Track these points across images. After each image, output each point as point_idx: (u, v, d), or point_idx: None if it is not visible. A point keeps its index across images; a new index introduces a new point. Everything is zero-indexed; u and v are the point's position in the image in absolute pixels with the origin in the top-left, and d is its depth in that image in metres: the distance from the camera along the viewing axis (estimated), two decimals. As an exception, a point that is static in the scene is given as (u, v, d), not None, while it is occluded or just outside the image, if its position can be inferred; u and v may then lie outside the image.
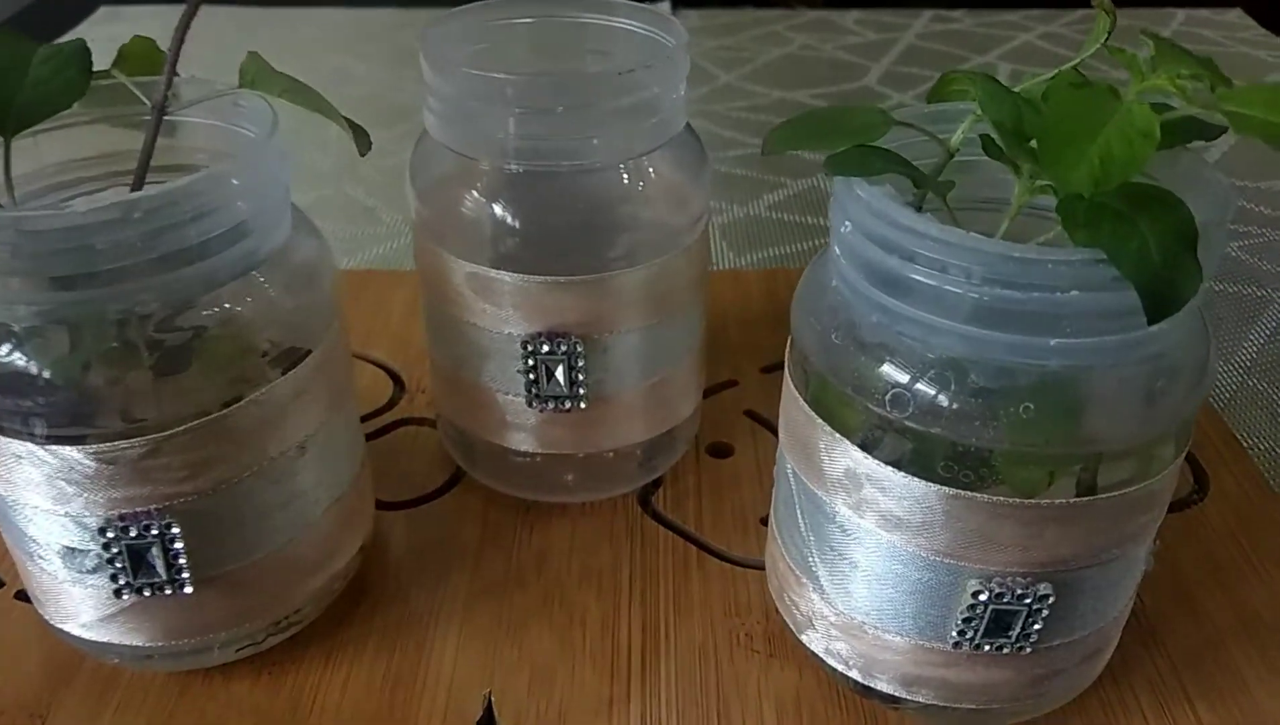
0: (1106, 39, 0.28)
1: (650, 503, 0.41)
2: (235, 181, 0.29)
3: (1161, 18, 0.98)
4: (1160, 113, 0.25)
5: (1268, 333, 0.53)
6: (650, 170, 0.36)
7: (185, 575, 0.31)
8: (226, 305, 0.29)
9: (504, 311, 0.35)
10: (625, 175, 0.35)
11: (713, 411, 0.46)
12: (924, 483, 0.27)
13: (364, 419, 0.45)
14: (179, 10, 0.31)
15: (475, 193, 0.35)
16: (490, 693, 0.33)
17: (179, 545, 0.30)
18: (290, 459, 0.31)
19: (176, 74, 0.33)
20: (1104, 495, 0.26)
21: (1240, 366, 0.51)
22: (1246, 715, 0.33)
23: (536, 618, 0.36)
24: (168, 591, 0.31)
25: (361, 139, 0.30)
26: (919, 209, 0.30)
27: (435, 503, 0.41)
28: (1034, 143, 0.25)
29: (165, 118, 0.32)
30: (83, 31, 0.95)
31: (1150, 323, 0.23)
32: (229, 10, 1.01)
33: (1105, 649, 0.31)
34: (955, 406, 0.26)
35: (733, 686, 0.34)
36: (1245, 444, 0.45)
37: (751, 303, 0.53)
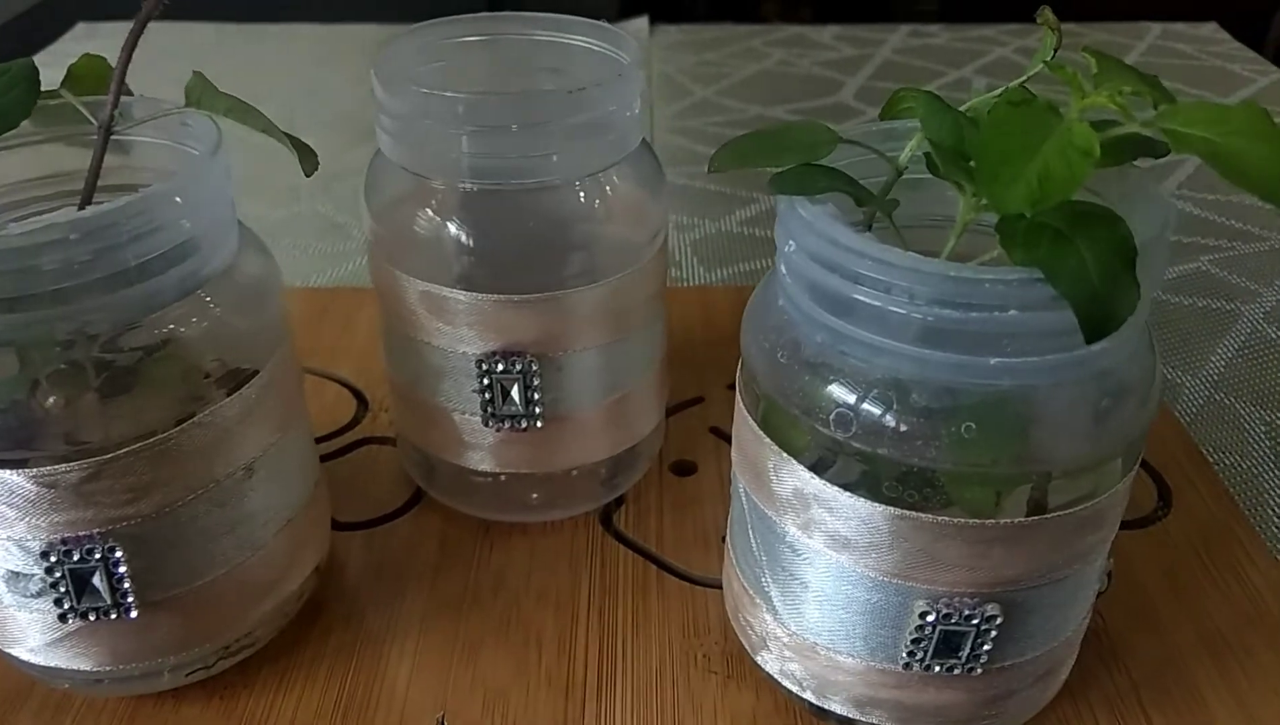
0: (1053, 56, 0.28)
1: (612, 521, 0.41)
2: (178, 200, 0.28)
3: (1138, 31, 0.99)
4: (1102, 131, 0.25)
5: (1236, 347, 0.53)
6: (606, 187, 0.36)
7: (130, 599, 0.30)
8: (171, 326, 0.29)
9: (458, 330, 0.35)
10: (581, 193, 0.35)
11: (678, 428, 0.46)
12: (870, 503, 0.27)
13: (326, 438, 0.45)
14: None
15: (429, 212, 0.35)
16: (443, 715, 0.33)
17: (123, 569, 0.30)
18: (237, 482, 0.31)
19: (129, 93, 0.33)
20: (1050, 515, 0.26)
21: (1208, 381, 0.51)
22: (1204, 734, 0.33)
23: (492, 638, 0.36)
24: (113, 616, 0.30)
25: (307, 159, 0.30)
26: (868, 228, 0.30)
27: (394, 523, 0.41)
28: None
29: (114, 137, 0.32)
30: (59, 48, 0.95)
31: (1088, 342, 0.23)
32: (202, 26, 1.01)
33: (1059, 668, 0.31)
34: (899, 426, 0.26)
35: (689, 708, 0.33)
36: (1211, 459, 0.45)
37: (719, 319, 0.53)
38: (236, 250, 0.31)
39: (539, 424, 0.36)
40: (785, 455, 0.28)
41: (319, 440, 0.44)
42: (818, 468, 0.28)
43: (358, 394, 0.48)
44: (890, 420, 0.26)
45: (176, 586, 0.31)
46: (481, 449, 0.38)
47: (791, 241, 0.27)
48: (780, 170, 0.27)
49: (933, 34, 0.99)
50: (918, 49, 0.96)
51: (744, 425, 0.30)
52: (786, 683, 0.32)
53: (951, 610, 0.27)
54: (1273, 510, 0.43)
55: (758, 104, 0.84)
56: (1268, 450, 0.46)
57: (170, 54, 1.00)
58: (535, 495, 0.40)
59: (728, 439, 0.45)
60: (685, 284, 0.59)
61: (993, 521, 0.26)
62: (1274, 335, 0.54)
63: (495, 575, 0.38)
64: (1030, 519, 0.26)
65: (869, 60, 0.93)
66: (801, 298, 0.27)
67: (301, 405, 0.34)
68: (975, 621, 0.27)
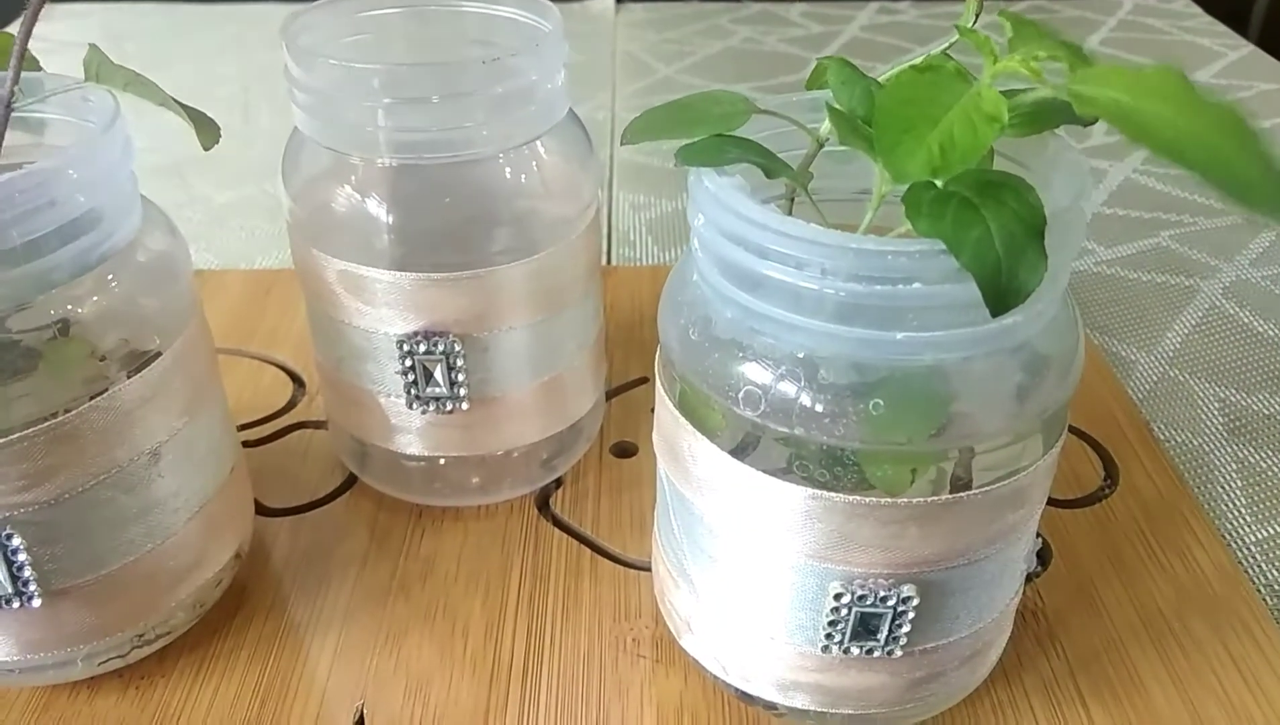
0: (974, 23, 0.27)
1: (549, 504, 0.40)
2: (72, 174, 0.27)
3: (1109, 6, 0.98)
4: (1013, 97, 0.24)
5: (1193, 323, 0.52)
6: (531, 161, 0.35)
7: (33, 588, 0.29)
8: (70, 305, 0.28)
9: (378, 310, 0.34)
10: (505, 167, 0.34)
11: (621, 410, 0.45)
12: (782, 483, 0.26)
13: (261, 422, 0.44)
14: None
15: (348, 189, 0.34)
16: (362, 704, 0.32)
17: (23, 558, 0.29)
18: (143, 466, 0.30)
19: (40, 69, 0.32)
20: (966, 493, 0.26)
21: (1163, 357, 0.50)
22: (1140, 715, 0.32)
23: (418, 626, 0.35)
24: (15, 605, 0.30)
25: (206, 131, 0.29)
26: (790, 203, 0.29)
27: (325, 508, 0.40)
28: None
29: (19, 114, 0.31)
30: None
31: (993, 315, 0.22)
32: (154, 7, 0.99)
33: (987, 651, 0.30)
34: (809, 404, 0.25)
35: (615, 693, 0.33)
36: (1162, 437, 0.44)
37: (668, 298, 0.52)
38: (139, 227, 0.30)
39: (465, 406, 0.36)
40: (700, 436, 0.27)
41: (251, 424, 0.44)
42: (738, 451, 0.27)
43: (295, 377, 0.47)
44: (800, 398, 0.25)
45: (83, 574, 0.30)
46: (409, 432, 0.37)
47: (700, 215, 0.26)
48: (689, 142, 0.26)
49: (901, 10, 0.98)
50: (886, 26, 0.95)
51: (662, 406, 0.30)
52: (711, 666, 0.31)
53: (867, 592, 0.26)
54: (1222, 488, 0.42)
55: (721, 82, 0.83)
56: (1220, 427, 0.45)
57: (131, 35, 0.99)
58: (469, 478, 0.39)
59: (668, 420, 0.44)
60: (639, 263, 0.58)
61: (906, 500, 0.25)
62: (1232, 310, 0.53)
63: (425, 562, 0.37)
64: (945, 497, 0.25)
65: (836, 37, 0.92)
66: (712, 273, 0.26)
67: (215, 388, 0.33)
68: (891, 603, 0.26)
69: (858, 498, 0.25)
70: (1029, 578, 0.37)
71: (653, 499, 0.40)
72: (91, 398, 0.28)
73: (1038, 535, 0.30)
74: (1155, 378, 0.49)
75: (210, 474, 0.33)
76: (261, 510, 0.39)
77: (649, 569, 0.37)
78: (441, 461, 0.39)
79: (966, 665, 0.30)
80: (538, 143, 0.35)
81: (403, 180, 0.34)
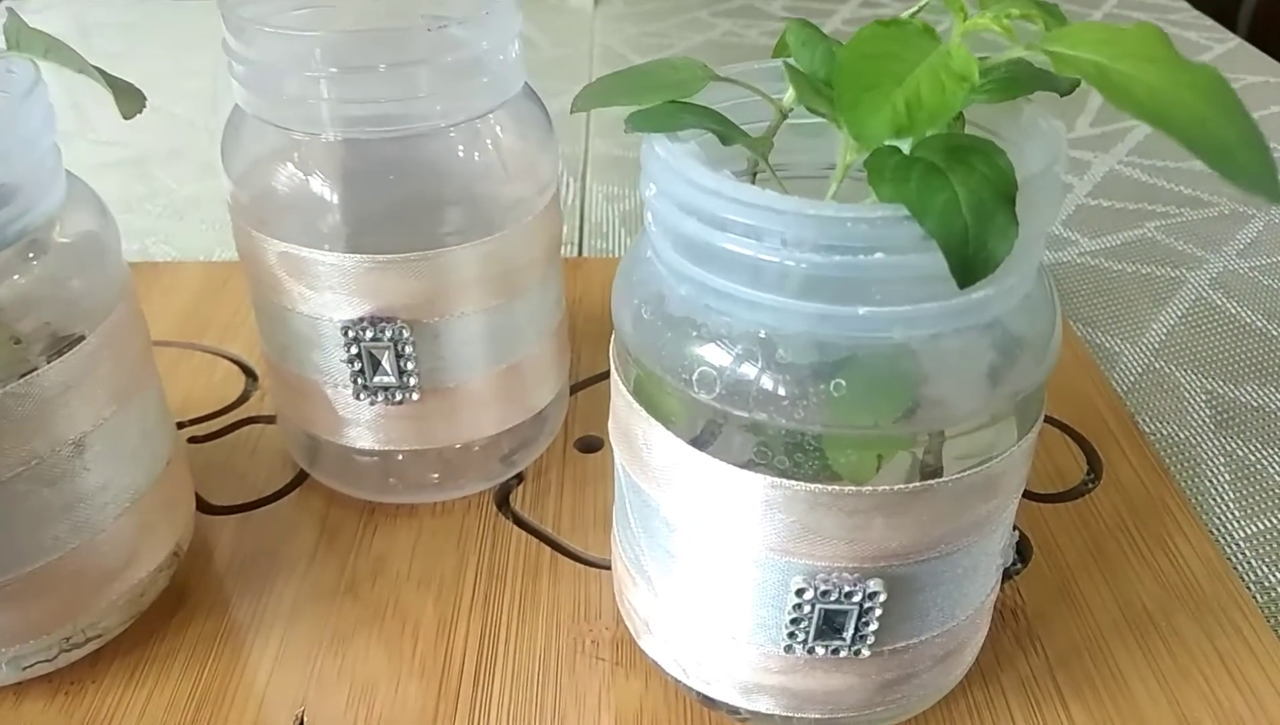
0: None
1: (509, 501, 0.38)
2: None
3: (1094, 0, 0.97)
4: (985, 62, 0.22)
5: (1179, 314, 0.51)
6: (485, 137, 0.33)
7: (-53, 589, 0.28)
8: (-16, 286, 0.26)
9: (322, 295, 0.32)
10: (457, 143, 0.32)
11: (587, 403, 0.43)
12: (740, 471, 0.24)
13: (210, 417, 0.42)
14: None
15: (291, 167, 0.32)
16: (303, 710, 0.30)
17: (-65, 555, 0.27)
18: (66, 458, 0.28)
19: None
20: (933, 481, 0.24)
21: (1148, 349, 0.48)
22: (1124, 715, 0.30)
23: (366, 627, 0.33)
24: (-71, 606, 0.28)
25: (127, 101, 0.27)
26: (753, 177, 0.28)
27: (272, 506, 0.38)
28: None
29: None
30: None
31: (961, 285, 0.21)
32: (133, 2, 0.97)
33: (962, 651, 0.29)
34: (766, 385, 0.23)
35: (572, 698, 0.31)
36: (1147, 429, 0.43)
37: (639, 289, 0.50)
38: (62, 203, 0.29)
39: (415, 396, 0.34)
40: (654, 422, 0.26)
41: (200, 419, 0.42)
42: (697, 442, 0.25)
43: (249, 372, 0.45)
44: (758, 379, 0.23)
45: (4, 573, 0.28)
46: (358, 425, 0.35)
47: (652, 185, 0.24)
48: (641, 108, 0.25)
49: (884, 4, 0.97)
50: (868, 19, 0.93)
51: (617, 394, 0.28)
52: (671, 669, 0.29)
53: (830, 587, 0.25)
54: (1209, 482, 0.40)
55: (702, 75, 0.81)
56: (1206, 418, 0.44)
57: (97, 29, 0.97)
58: (434, 476, 0.38)
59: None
60: (612, 255, 0.57)
61: (870, 488, 0.24)
62: (1219, 301, 0.52)
63: (376, 561, 0.36)
64: (912, 486, 0.24)
65: (819, 30, 0.90)
66: (665, 248, 0.24)
67: (148, 376, 0.31)
68: (857, 599, 0.25)
69: (820, 486, 0.24)
70: (1007, 574, 0.35)
71: (617, 494, 0.38)
72: (8, 384, 0.27)
73: (1016, 529, 0.28)
74: (1140, 370, 0.47)
75: (143, 468, 0.31)
76: (206, 508, 0.38)
77: (610, 567, 0.35)
78: (399, 457, 0.37)
79: (940, 666, 0.28)
80: (491, 118, 0.33)
81: (349, 157, 0.32)
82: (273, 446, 0.41)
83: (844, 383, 0.23)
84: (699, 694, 0.29)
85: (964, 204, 0.21)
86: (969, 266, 0.21)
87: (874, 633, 0.26)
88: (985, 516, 0.25)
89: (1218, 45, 0.87)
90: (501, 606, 0.34)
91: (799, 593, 0.25)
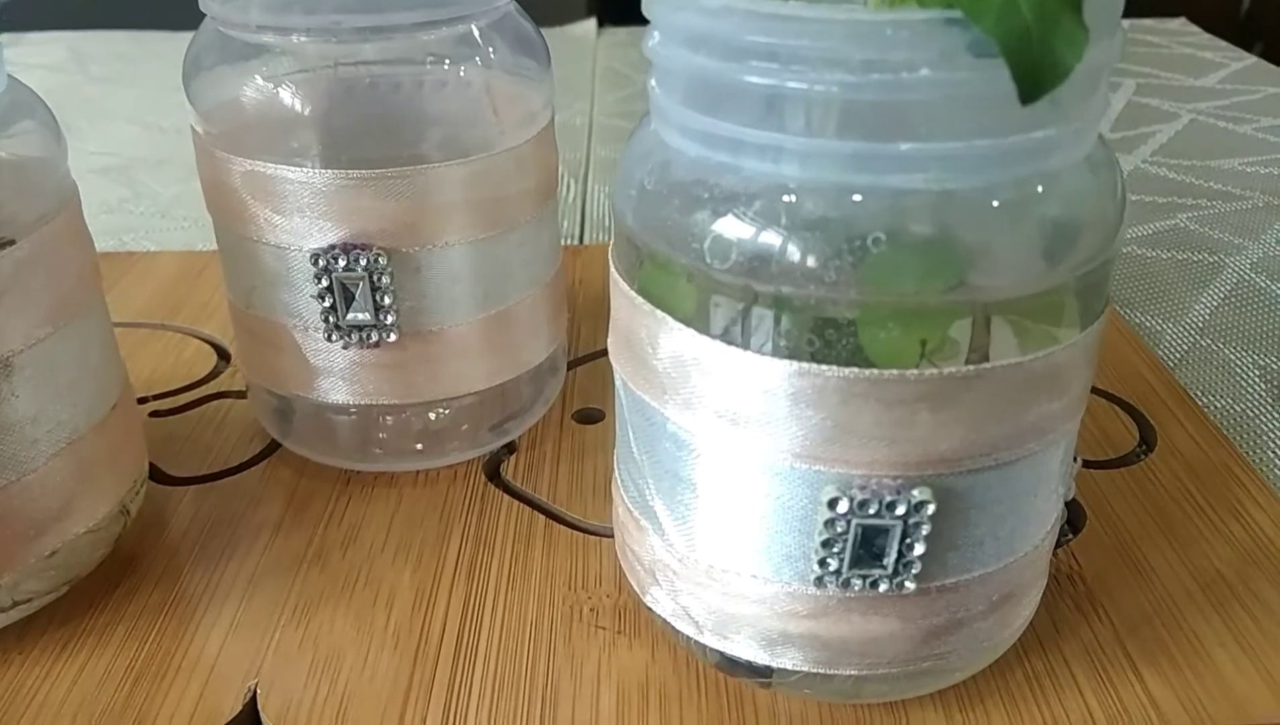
0: None
1: (500, 473, 0.35)
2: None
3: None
4: None
5: (1222, 295, 0.48)
6: (471, 51, 0.30)
7: None
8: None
9: (290, 220, 0.29)
10: (441, 48, 0.30)
11: (587, 378, 0.40)
12: (760, 357, 0.21)
13: (179, 391, 0.39)
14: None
15: (258, 79, 0.29)
16: (255, 684, 0.26)
17: None
18: (-11, 380, 0.25)
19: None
20: (988, 364, 0.20)
21: (1192, 328, 0.45)
22: (1206, 685, 0.26)
23: (333, 597, 0.29)
24: None
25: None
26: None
27: (237, 477, 0.34)
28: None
29: None
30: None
31: (1024, 100, 0.17)
32: (130, 34, 0.96)
33: (1019, 600, 0.25)
34: (790, 249, 0.20)
35: (566, 670, 0.27)
36: (1201, 402, 0.39)
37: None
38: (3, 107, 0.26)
39: (393, 337, 0.30)
40: (660, 314, 0.22)
41: (166, 394, 0.38)
42: (710, 333, 0.22)
43: (221, 351, 0.41)
44: (781, 242, 0.20)
45: (-87, 516, 0.25)
46: (332, 375, 0.32)
47: (655, 33, 0.21)
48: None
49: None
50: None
51: (618, 296, 0.24)
52: (681, 624, 0.25)
53: (869, 496, 0.21)
54: (1273, 452, 0.37)
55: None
56: (1263, 393, 0.40)
57: (94, 59, 0.96)
58: (419, 445, 0.34)
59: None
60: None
61: (914, 373, 0.20)
62: (1263, 284, 0.48)
63: (349, 530, 0.32)
64: (964, 369, 0.20)
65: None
66: (670, 105, 0.21)
67: (92, 304, 0.28)
68: (900, 511, 0.21)
69: (856, 370, 0.20)
70: (1061, 539, 0.31)
71: (619, 462, 0.35)
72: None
73: (1077, 458, 0.25)
74: (1185, 346, 0.43)
75: (82, 405, 0.27)
76: (164, 478, 0.34)
77: (612, 535, 0.31)
78: (380, 418, 0.33)
79: (995, 615, 0.24)
80: (474, 30, 0.30)
81: (319, 63, 0.29)
82: (242, 419, 0.37)
83: (883, 237, 0.19)
84: (716, 655, 0.25)
85: (1024, 2, 0.17)
86: (1035, 73, 0.17)
87: (920, 558, 0.22)
88: (1048, 419, 0.22)
89: (1233, 63, 0.85)
90: (489, 575, 0.30)
91: (832, 504, 0.21)
